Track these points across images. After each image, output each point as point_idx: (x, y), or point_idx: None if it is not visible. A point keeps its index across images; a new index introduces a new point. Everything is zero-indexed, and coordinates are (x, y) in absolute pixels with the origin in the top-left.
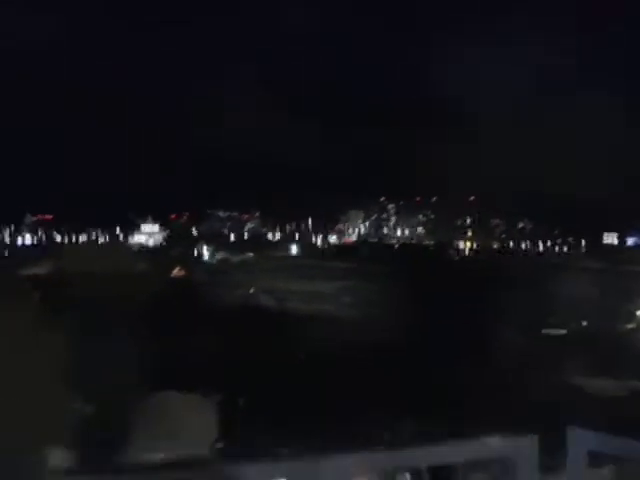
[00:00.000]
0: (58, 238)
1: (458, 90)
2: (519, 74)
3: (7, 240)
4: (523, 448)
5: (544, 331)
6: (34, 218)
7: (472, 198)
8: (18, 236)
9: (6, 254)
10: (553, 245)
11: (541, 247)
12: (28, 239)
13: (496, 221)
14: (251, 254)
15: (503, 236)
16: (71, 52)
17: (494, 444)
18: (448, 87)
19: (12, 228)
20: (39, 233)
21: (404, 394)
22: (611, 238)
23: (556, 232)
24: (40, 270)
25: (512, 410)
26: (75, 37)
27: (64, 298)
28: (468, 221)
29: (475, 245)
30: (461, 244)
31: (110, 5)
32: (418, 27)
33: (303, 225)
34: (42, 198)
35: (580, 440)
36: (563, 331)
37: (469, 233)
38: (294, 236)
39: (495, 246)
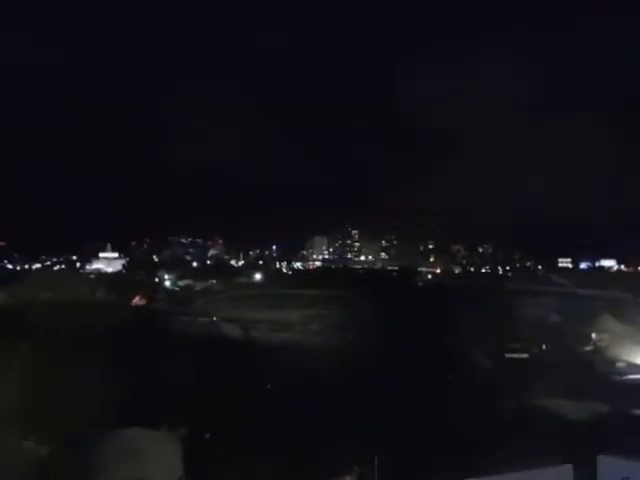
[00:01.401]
0: (9, 266)
1: (422, 112)
2: (483, 99)
3: None
4: (560, 477)
5: (507, 355)
6: None
7: (434, 224)
8: None
9: None
10: (512, 269)
11: (500, 271)
12: None
13: (457, 246)
14: (214, 281)
15: (464, 261)
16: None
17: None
18: (413, 107)
19: None
20: None
21: (376, 421)
22: (566, 262)
23: (516, 257)
24: None
25: (481, 430)
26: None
27: (18, 329)
28: (431, 246)
29: (438, 270)
30: (424, 269)
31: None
32: (383, 36)
33: (267, 251)
34: None
35: (611, 468)
36: (525, 355)
37: (432, 258)
38: (258, 262)
39: (457, 271)
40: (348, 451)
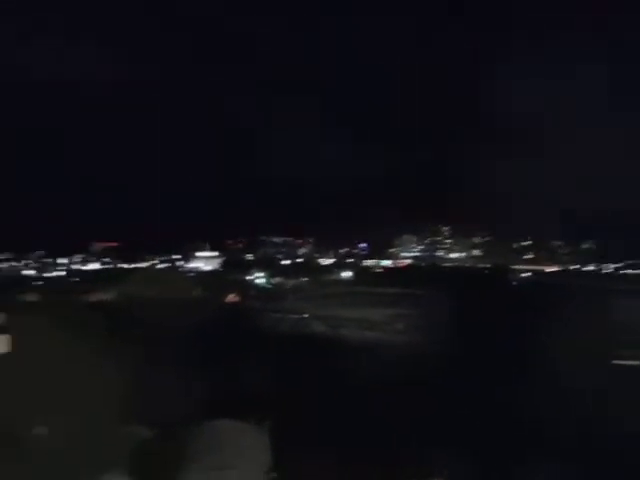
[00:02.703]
0: (122, 264)
1: (519, 106)
2: (575, 91)
3: (75, 267)
4: None
5: (616, 362)
6: (101, 246)
7: (530, 219)
8: (86, 262)
9: (76, 279)
10: (624, 267)
11: (610, 269)
12: (95, 265)
13: (557, 242)
14: (304, 279)
15: (565, 258)
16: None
17: None
18: (509, 103)
19: (80, 255)
20: (105, 259)
21: (471, 429)
22: None
23: (624, 254)
24: (105, 296)
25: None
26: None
27: (127, 324)
28: (527, 243)
29: (536, 268)
30: (520, 266)
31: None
32: (473, 46)
33: (356, 249)
34: (107, 226)
35: None
36: (638, 362)
37: (528, 255)
38: (347, 261)
39: (557, 269)
40: (436, 455)
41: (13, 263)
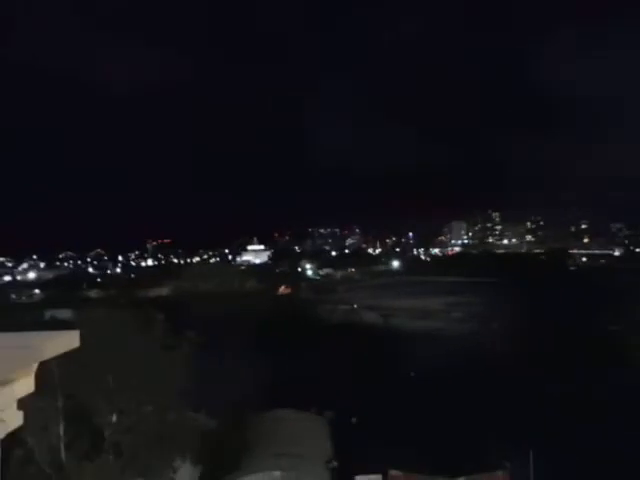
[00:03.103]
0: (175, 260)
1: (564, 90)
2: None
3: (133, 263)
4: None
5: None
6: (155, 243)
7: (587, 201)
8: (142, 259)
9: (132, 276)
10: None
11: None
12: (150, 261)
13: (617, 225)
14: (353, 269)
15: (626, 241)
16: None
17: None
18: (555, 87)
19: (136, 253)
20: (159, 256)
21: (524, 415)
22: None
23: None
24: (161, 291)
25: None
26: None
27: (184, 317)
28: (584, 226)
29: (595, 251)
30: (577, 251)
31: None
32: (514, 31)
33: (403, 239)
34: (161, 224)
35: None
36: None
37: (585, 239)
38: (395, 250)
39: (617, 252)
40: (497, 445)
41: (78, 262)
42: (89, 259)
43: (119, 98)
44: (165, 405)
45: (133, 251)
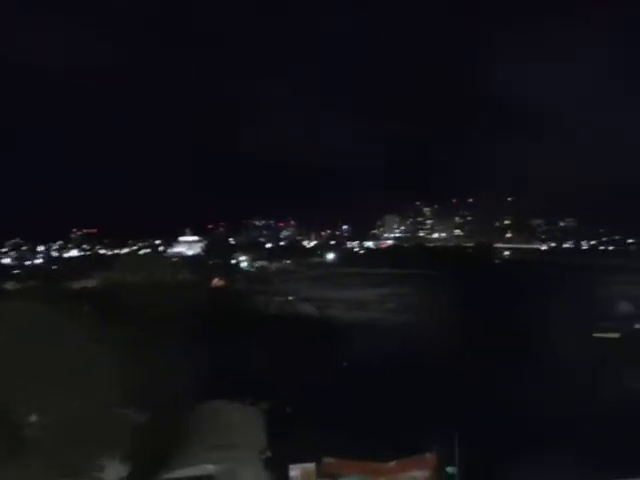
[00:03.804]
0: (102, 251)
1: (494, 90)
2: (566, 73)
3: (55, 254)
4: None
5: (596, 335)
6: (80, 232)
7: (510, 198)
8: (65, 249)
9: (54, 267)
10: (598, 244)
11: (585, 245)
12: (74, 252)
13: (537, 221)
14: (288, 261)
15: (544, 236)
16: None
17: None
18: (485, 87)
19: (59, 243)
20: (85, 246)
21: (453, 401)
22: None
23: (601, 231)
24: (87, 283)
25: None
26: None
27: (111, 310)
28: (507, 222)
29: (516, 246)
30: (501, 245)
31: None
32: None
33: (338, 231)
34: (86, 213)
35: None
36: (616, 334)
37: (509, 234)
38: (329, 242)
39: (537, 246)
40: (427, 431)
41: None
42: (5, 249)
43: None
44: (91, 401)
45: (56, 241)
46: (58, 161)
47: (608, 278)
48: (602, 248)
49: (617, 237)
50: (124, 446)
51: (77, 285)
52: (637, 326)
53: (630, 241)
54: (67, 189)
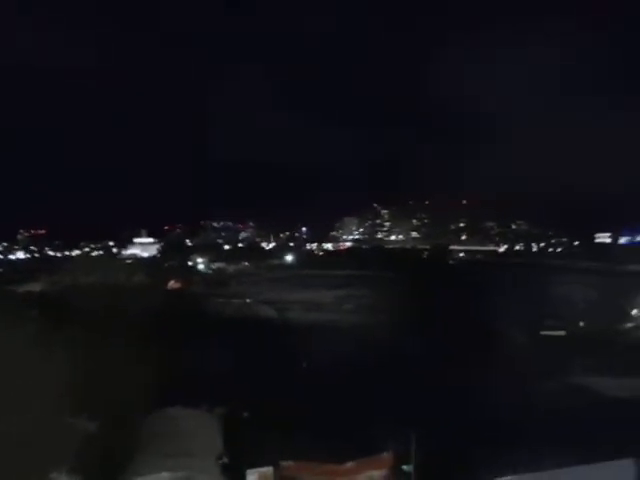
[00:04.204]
0: (51, 253)
1: (450, 94)
2: (512, 75)
3: (0, 256)
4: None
5: (543, 332)
6: (27, 233)
7: (465, 201)
8: (11, 252)
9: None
10: (547, 246)
11: (535, 247)
12: (21, 254)
13: (490, 223)
14: (246, 263)
15: (497, 238)
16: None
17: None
18: (441, 89)
19: (4, 244)
20: (32, 248)
21: (408, 401)
22: (604, 237)
23: (550, 233)
24: (34, 287)
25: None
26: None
27: (61, 314)
28: (462, 224)
29: (471, 247)
30: (457, 247)
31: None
32: (419, 29)
33: (297, 233)
34: (35, 213)
35: None
36: (562, 332)
37: (464, 236)
38: (288, 244)
39: (491, 248)
40: (384, 431)
41: None
42: None
43: None
44: (37, 411)
45: (0, 242)
46: (6, 159)
47: (555, 278)
48: (551, 250)
49: (564, 239)
50: (74, 457)
51: (22, 289)
52: (581, 324)
53: (576, 243)
54: (14, 188)
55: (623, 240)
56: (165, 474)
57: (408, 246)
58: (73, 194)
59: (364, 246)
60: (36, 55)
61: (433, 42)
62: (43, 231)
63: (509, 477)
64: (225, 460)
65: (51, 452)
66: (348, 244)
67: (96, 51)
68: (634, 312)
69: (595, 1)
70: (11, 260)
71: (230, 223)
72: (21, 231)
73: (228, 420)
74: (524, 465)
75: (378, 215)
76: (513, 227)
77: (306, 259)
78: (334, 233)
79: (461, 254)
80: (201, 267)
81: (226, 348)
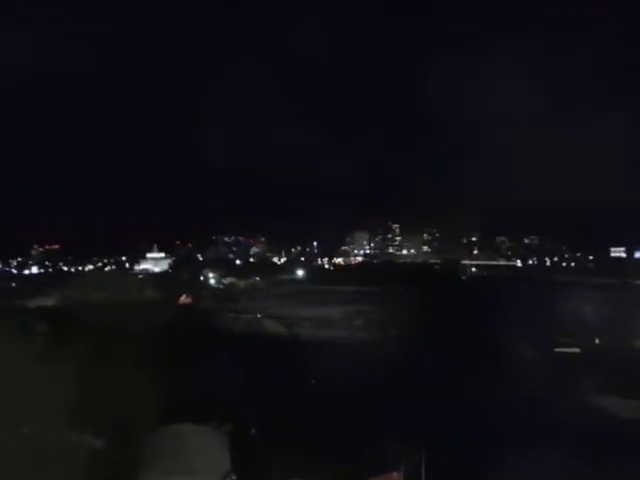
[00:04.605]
0: (65, 267)
1: (459, 109)
2: (522, 92)
3: (14, 271)
4: None
5: (557, 350)
6: (41, 249)
7: (477, 216)
8: (25, 267)
9: (13, 285)
10: (560, 261)
11: (548, 262)
12: (35, 269)
13: (502, 238)
14: (257, 278)
15: (509, 253)
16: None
17: None
18: (449, 106)
19: (18, 259)
20: (46, 263)
21: (420, 419)
22: (619, 252)
23: (563, 248)
24: (46, 301)
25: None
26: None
27: (71, 329)
28: (474, 239)
29: (483, 262)
30: (468, 262)
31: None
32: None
33: (308, 248)
34: (49, 229)
35: None
36: (577, 349)
37: (475, 251)
38: (299, 259)
39: (502, 262)
40: (393, 447)
41: None
42: None
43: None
44: (45, 426)
45: (15, 257)
46: (19, 175)
47: (569, 294)
48: (564, 265)
49: (578, 254)
50: (79, 473)
51: (34, 304)
52: (597, 341)
53: (590, 258)
54: (28, 203)
55: (639, 254)
56: None
57: (419, 260)
58: (87, 209)
59: (375, 260)
60: (37, 56)
61: (434, 55)
62: (57, 246)
63: None
64: (232, 477)
65: (56, 467)
66: (359, 259)
67: (99, 54)
68: None
69: (589, 18)
70: (24, 275)
71: (241, 238)
72: (35, 246)
73: (236, 437)
74: None
75: (389, 229)
76: (526, 241)
77: (317, 274)
78: (345, 248)
79: (473, 269)
80: (212, 282)
81: (236, 364)
